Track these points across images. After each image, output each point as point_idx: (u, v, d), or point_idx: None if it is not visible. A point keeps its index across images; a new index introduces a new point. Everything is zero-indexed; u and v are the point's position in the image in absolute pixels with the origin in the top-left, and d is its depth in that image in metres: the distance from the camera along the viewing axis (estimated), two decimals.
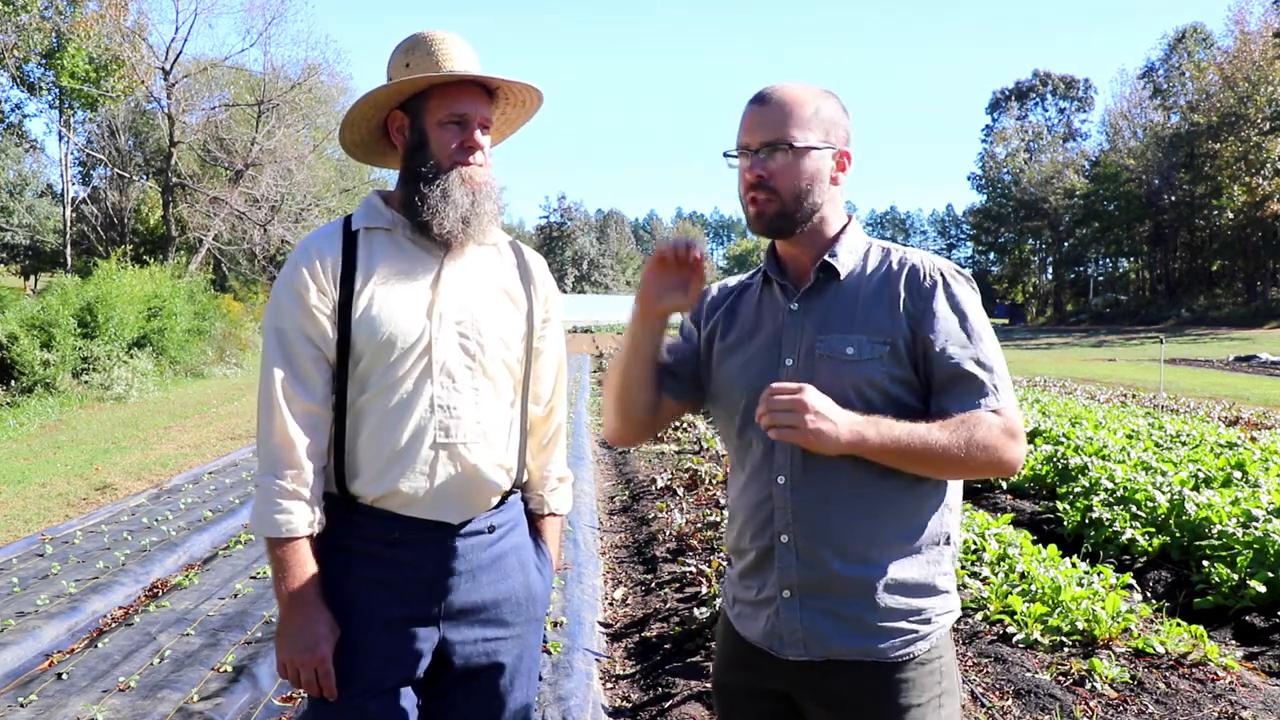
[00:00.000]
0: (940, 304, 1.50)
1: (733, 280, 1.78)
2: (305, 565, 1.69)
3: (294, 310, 1.71)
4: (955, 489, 1.57)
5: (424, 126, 1.76)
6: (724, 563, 4.83)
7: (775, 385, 1.42)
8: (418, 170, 1.76)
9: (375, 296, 1.72)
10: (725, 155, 1.59)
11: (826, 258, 1.56)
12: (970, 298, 1.53)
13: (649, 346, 1.64)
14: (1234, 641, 4.15)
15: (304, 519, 1.68)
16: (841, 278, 1.56)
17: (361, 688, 1.70)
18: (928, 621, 1.51)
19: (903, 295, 1.52)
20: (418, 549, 1.74)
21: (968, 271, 1.56)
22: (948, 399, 1.48)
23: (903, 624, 1.49)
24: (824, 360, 1.51)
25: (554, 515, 2.01)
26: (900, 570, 1.50)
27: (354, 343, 1.71)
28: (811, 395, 1.40)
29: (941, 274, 1.53)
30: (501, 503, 1.85)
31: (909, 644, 1.50)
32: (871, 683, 1.50)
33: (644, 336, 1.63)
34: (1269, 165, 45.20)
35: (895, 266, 1.56)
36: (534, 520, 1.98)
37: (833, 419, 1.39)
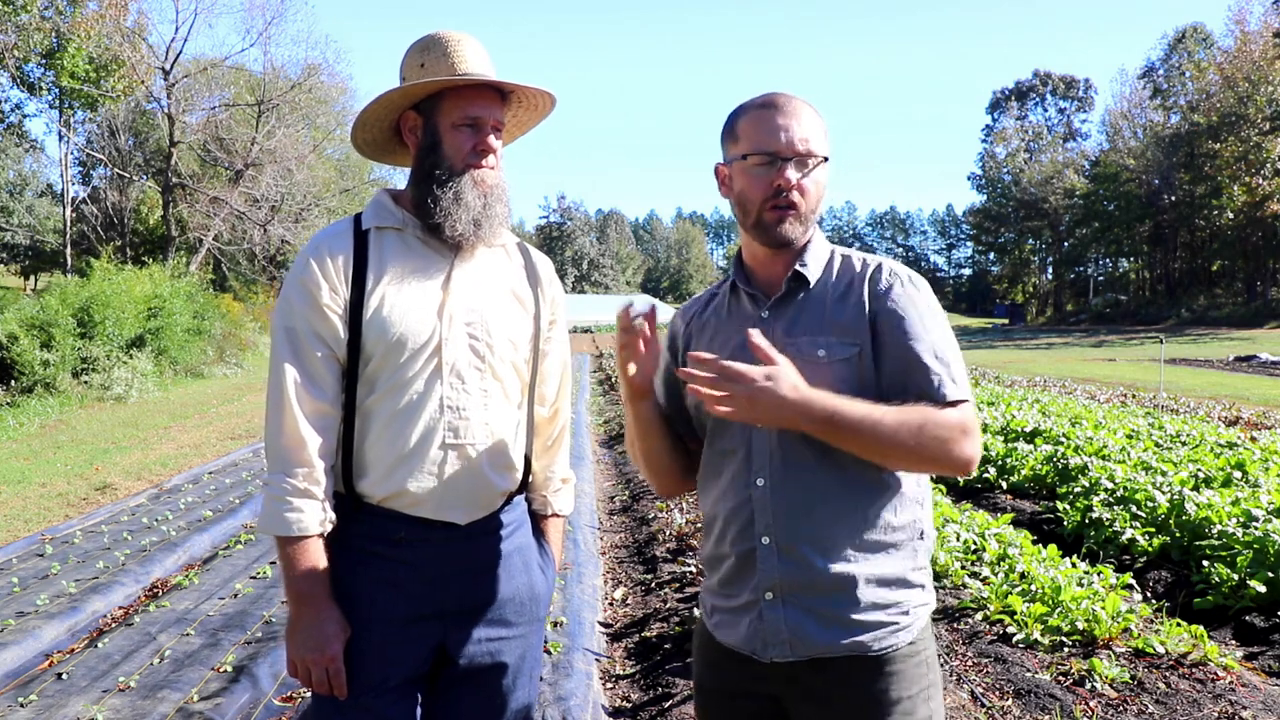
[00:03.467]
0: (897, 300, 1.54)
1: (701, 293, 1.81)
2: (316, 564, 1.69)
3: (305, 309, 1.70)
4: (924, 484, 1.61)
5: (437, 128, 1.76)
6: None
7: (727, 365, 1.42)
8: (430, 172, 1.75)
9: (386, 297, 1.72)
10: (745, 157, 1.56)
11: (797, 266, 1.60)
12: (926, 297, 1.57)
13: (649, 416, 1.68)
14: (1234, 641, 4.14)
15: (315, 517, 1.68)
16: (811, 285, 1.60)
17: (365, 686, 1.71)
18: (906, 613, 1.54)
19: (866, 296, 1.56)
20: (423, 549, 1.75)
21: (920, 276, 1.63)
22: (903, 389, 1.50)
23: (883, 617, 1.52)
24: (794, 363, 1.51)
25: (557, 516, 2.01)
26: (879, 565, 1.52)
27: (364, 343, 1.71)
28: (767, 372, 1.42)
29: (896, 275, 1.59)
30: (507, 503, 1.85)
31: (891, 635, 1.52)
32: (860, 677, 1.52)
33: (639, 410, 1.67)
34: (1269, 165, 45.19)
35: (859, 270, 1.60)
36: (537, 521, 1.98)
37: (782, 386, 1.41)
